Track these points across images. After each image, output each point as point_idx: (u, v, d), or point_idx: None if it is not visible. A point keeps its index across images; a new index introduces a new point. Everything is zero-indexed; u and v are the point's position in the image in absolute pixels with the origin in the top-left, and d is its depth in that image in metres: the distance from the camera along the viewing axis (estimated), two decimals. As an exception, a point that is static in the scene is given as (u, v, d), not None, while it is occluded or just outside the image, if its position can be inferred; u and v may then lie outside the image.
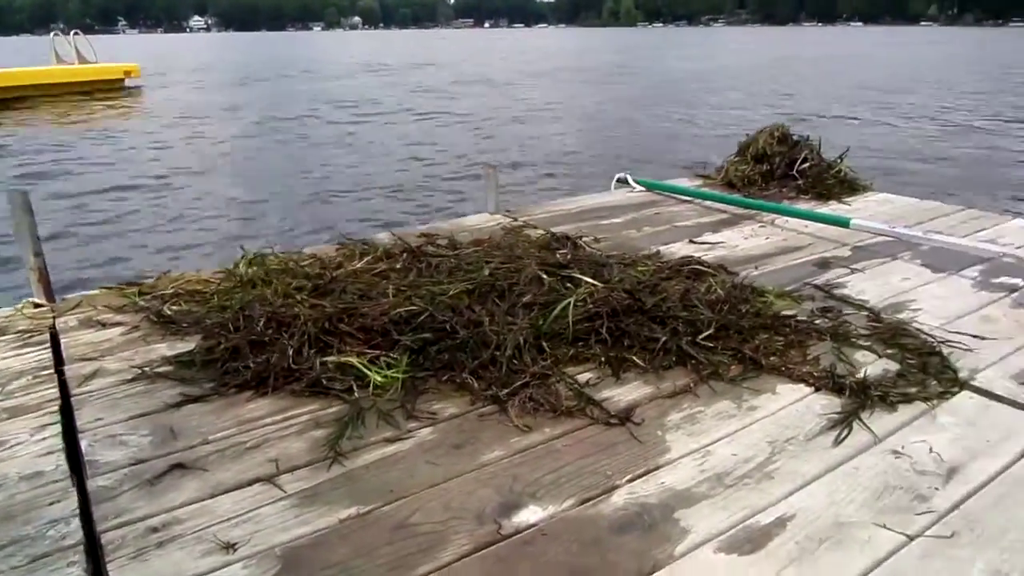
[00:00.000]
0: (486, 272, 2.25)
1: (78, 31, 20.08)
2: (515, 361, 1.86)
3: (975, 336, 2.06)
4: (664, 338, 1.96)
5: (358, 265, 2.40)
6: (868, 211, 3.39)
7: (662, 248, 2.82)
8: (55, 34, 19.88)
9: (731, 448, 1.57)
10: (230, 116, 13.91)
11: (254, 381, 1.81)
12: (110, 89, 18.33)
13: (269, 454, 1.55)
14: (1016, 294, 2.37)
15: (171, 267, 4.34)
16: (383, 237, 2.90)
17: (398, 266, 2.41)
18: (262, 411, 1.71)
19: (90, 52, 19.04)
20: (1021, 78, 22.00)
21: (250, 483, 1.45)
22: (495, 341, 1.89)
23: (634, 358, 1.93)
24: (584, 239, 2.85)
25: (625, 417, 1.68)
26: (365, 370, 1.81)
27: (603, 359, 1.93)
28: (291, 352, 1.86)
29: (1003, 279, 2.49)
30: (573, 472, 1.49)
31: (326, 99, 17.17)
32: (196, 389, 1.80)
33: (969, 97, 17.10)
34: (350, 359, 1.84)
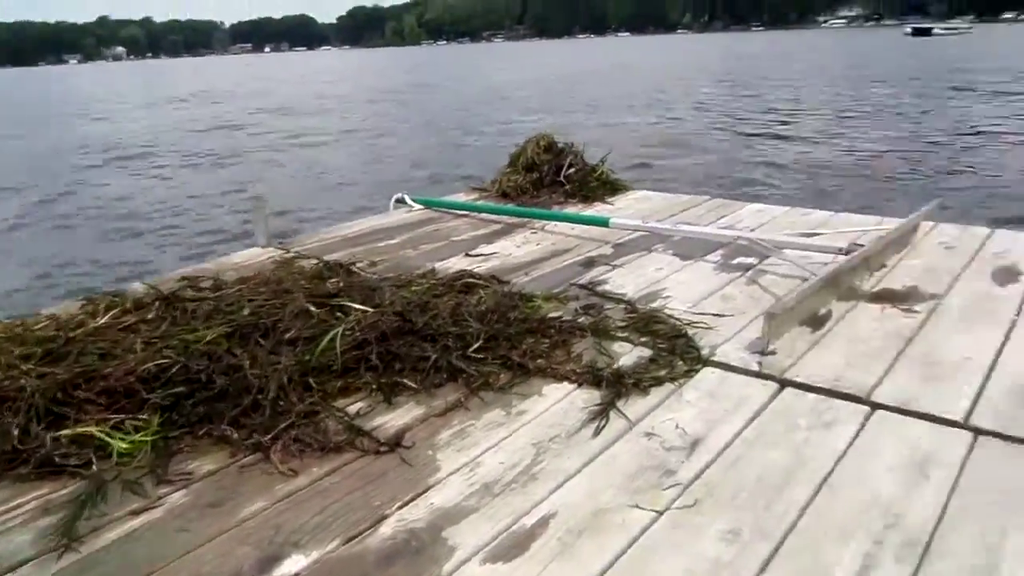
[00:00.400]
0: (246, 312, 2.13)
1: None
2: (280, 402, 1.77)
3: (716, 315, 2.26)
4: (435, 356, 1.97)
5: (101, 321, 2.18)
6: (629, 209, 3.64)
7: (438, 265, 2.84)
8: None
9: (499, 456, 1.60)
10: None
11: (-31, 473, 1.58)
12: None
13: (-14, 554, 1.35)
14: (750, 272, 2.64)
15: None
16: (137, 287, 2.67)
17: (150, 316, 2.22)
18: (-22, 505, 1.50)
19: None
20: (756, 76, 24.91)
21: (-41, 595, 1.26)
22: (256, 384, 1.79)
23: (406, 381, 1.91)
24: (359, 264, 2.81)
25: (395, 443, 1.66)
26: (106, 438, 1.64)
27: (374, 386, 1.90)
28: (16, 432, 1.65)
29: (740, 259, 2.77)
30: (340, 509, 1.44)
31: (80, 145, 15.69)
32: None
33: (714, 98, 19.07)
34: (88, 429, 1.66)
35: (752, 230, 3.11)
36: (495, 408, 1.80)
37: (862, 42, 59.66)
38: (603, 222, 3.13)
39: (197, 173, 11.21)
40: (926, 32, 71.26)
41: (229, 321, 2.09)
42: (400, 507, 1.44)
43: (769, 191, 7.44)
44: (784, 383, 1.82)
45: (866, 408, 1.69)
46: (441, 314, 2.18)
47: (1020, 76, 21.37)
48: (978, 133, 10.63)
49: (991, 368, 1.85)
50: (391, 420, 1.77)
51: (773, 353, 1.97)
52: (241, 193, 9.15)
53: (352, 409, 1.81)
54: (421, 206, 3.85)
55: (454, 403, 1.82)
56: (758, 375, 1.87)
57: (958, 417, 1.63)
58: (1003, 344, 1.99)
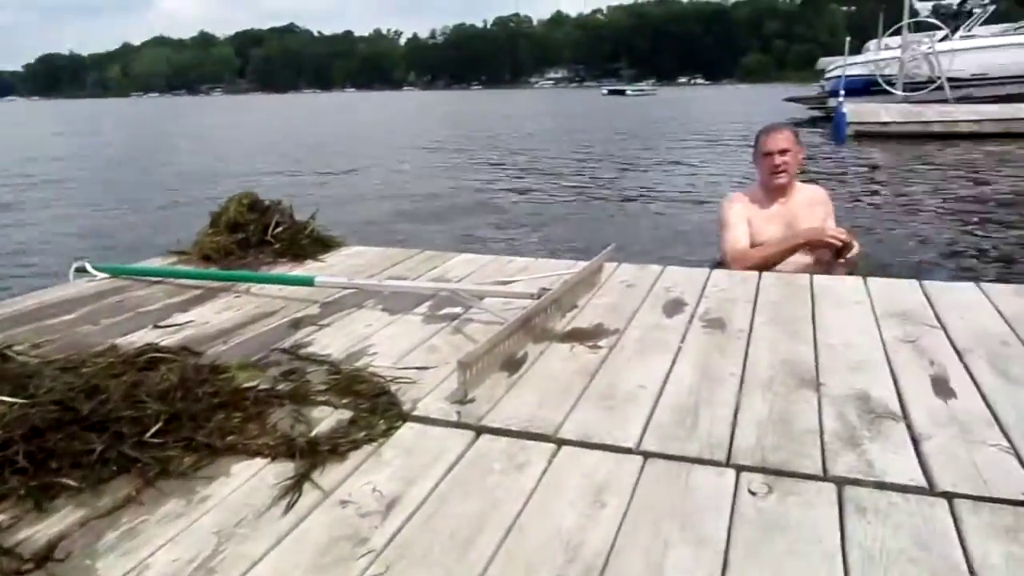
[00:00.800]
0: None
1: None
2: None
3: (420, 368, 2.27)
4: (101, 446, 1.73)
5: None
6: (340, 266, 3.59)
7: (120, 340, 2.55)
8: None
9: (173, 553, 1.43)
10: None
11: None
12: None
13: None
14: (455, 322, 2.71)
15: None
16: None
17: None
18: None
19: None
20: (479, 129, 26.51)
21: None
22: None
23: (64, 480, 1.65)
24: (16, 348, 2.42)
25: (44, 557, 1.41)
26: None
27: (22, 492, 1.62)
28: None
29: (446, 310, 2.83)
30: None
31: None
32: None
33: (436, 148, 19.92)
34: None
35: (459, 280, 3.22)
36: (173, 498, 1.62)
37: (569, 100, 66.35)
38: (308, 281, 3.04)
39: None
40: (620, 92, 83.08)
41: None
42: (41, 636, 1.22)
43: (481, 242, 7.83)
44: (480, 430, 1.86)
45: (553, 445, 1.78)
46: (113, 397, 1.93)
47: (694, 129, 25.17)
48: (654, 187, 12.20)
49: (659, 394, 2.06)
50: (42, 530, 1.51)
51: (472, 401, 2.02)
52: None
53: (-7, 523, 1.52)
54: (106, 275, 3.45)
55: (124, 499, 1.61)
56: (456, 425, 1.90)
57: (631, 444, 1.78)
58: (669, 370, 2.23)
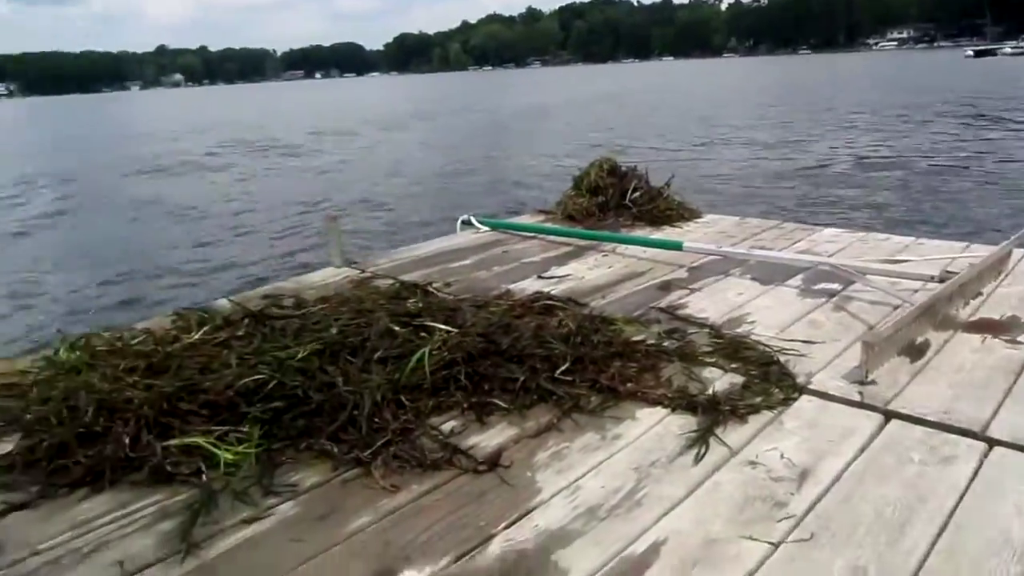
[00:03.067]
0: (334, 330, 2.17)
1: None
2: (375, 419, 1.79)
3: (805, 341, 2.22)
4: (523, 377, 1.97)
5: (195, 337, 2.23)
6: (698, 232, 3.62)
7: (512, 286, 2.85)
8: None
9: (599, 480, 1.59)
10: (33, 192, 12.64)
11: (87, 477, 1.63)
12: None
13: (112, 556, 1.39)
14: (835, 298, 2.59)
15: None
16: (223, 304, 2.73)
17: (240, 333, 2.27)
18: (99, 509, 1.54)
19: None
20: (811, 101, 24.60)
21: (88, 595, 1.29)
22: (352, 401, 1.81)
23: (496, 401, 1.91)
24: (434, 285, 2.83)
25: (493, 462, 1.66)
26: (213, 449, 1.68)
27: (465, 405, 1.91)
28: (127, 440, 1.69)
29: (823, 285, 2.72)
30: (446, 528, 1.44)
31: (148, 167, 16.16)
32: (19, 495, 1.59)
33: (776, 120, 18.89)
34: (195, 439, 1.70)
35: (831, 255, 3.06)
36: (589, 431, 1.79)
37: (920, 63, 58.28)
38: (677, 246, 3.12)
39: (264, 193, 11.44)
40: (990, 53, 67.52)
41: (318, 339, 2.13)
42: (506, 527, 1.44)
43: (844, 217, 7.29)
44: (889, 415, 1.77)
45: (982, 444, 1.63)
46: (524, 336, 2.18)
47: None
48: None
49: (1107, 403, 1.78)
50: (485, 440, 1.77)
51: (873, 383, 1.92)
52: (306, 213, 9.32)
53: (445, 428, 1.82)
54: (488, 228, 3.88)
55: (547, 425, 1.82)
56: (860, 405, 1.83)
57: (1083, 455, 1.57)
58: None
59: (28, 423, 1.86)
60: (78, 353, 2.16)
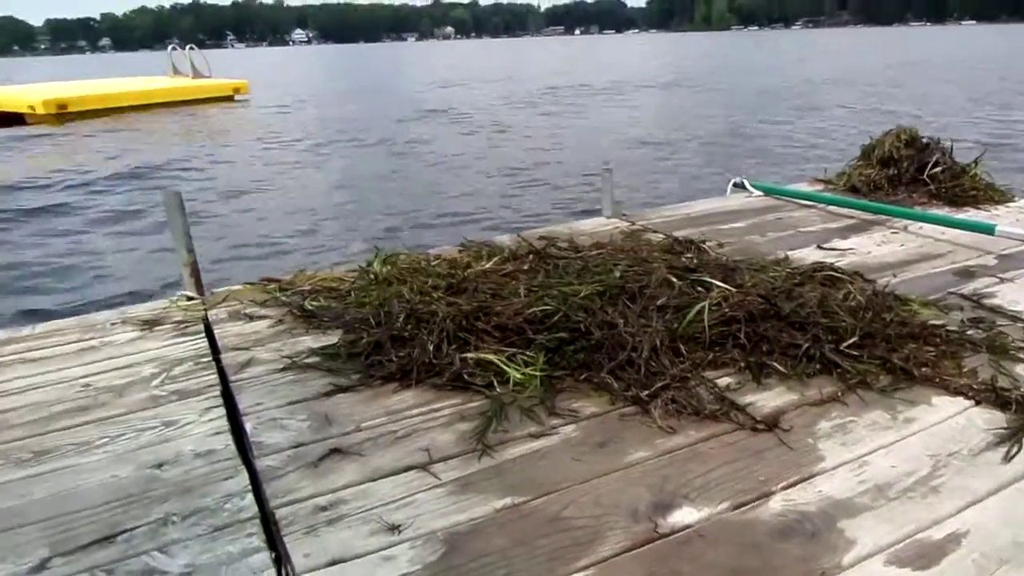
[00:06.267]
0: (616, 274, 2.24)
1: (193, 46, 21.25)
2: (652, 363, 1.84)
3: None
4: (806, 344, 1.91)
5: (487, 266, 2.43)
6: (1011, 218, 3.20)
7: (789, 253, 2.74)
8: (173, 48, 21.08)
9: (889, 460, 1.51)
10: (337, 131, 14.22)
11: (398, 374, 1.87)
12: (221, 103, 18.89)
13: (419, 443, 1.59)
14: None
15: (295, 264, 4.54)
16: (504, 239, 2.94)
17: (525, 267, 2.44)
18: (407, 403, 1.77)
19: (204, 67, 20.06)
20: None
21: (405, 470, 1.49)
22: (631, 343, 1.88)
23: (775, 364, 1.88)
24: (707, 244, 2.81)
25: (773, 423, 1.64)
26: (504, 367, 1.84)
27: (742, 364, 1.89)
28: (431, 347, 1.91)
29: None
30: (724, 476, 1.46)
31: (431, 109, 17.46)
32: (344, 380, 1.88)
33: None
34: (489, 356, 1.87)
35: None
36: (877, 409, 1.70)
37: None
38: (988, 229, 2.79)
39: (535, 140, 11.89)
40: None
41: (599, 281, 2.22)
42: (785, 487, 1.43)
43: None
44: None
45: None
46: (808, 303, 2.10)
47: None
48: None
49: None
50: (762, 400, 1.75)
51: None
52: (574, 163, 9.58)
53: (721, 382, 1.82)
54: (761, 192, 3.74)
55: (830, 396, 1.75)
56: None
57: None
58: None
59: (349, 322, 2.17)
60: (389, 268, 2.46)
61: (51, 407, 1.84)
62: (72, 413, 1.80)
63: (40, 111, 14.76)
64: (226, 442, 1.61)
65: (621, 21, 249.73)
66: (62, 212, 7.77)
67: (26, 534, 1.36)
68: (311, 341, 2.11)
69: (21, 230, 7.07)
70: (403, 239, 5.88)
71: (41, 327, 2.38)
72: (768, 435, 1.61)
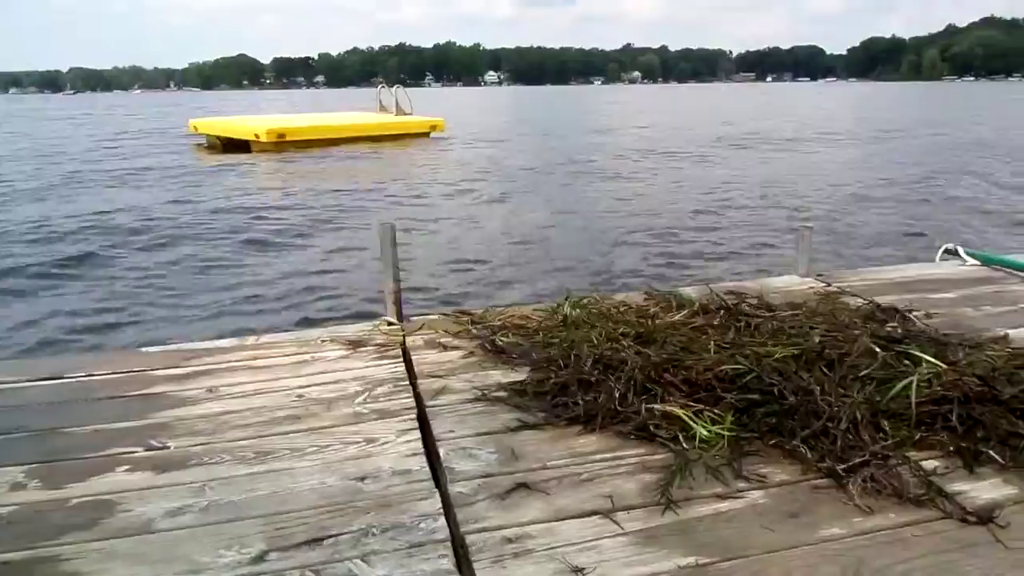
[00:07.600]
0: (816, 339, 2.16)
1: (399, 85, 23.02)
2: (850, 436, 1.76)
3: None
4: (1029, 434, 1.74)
5: (676, 317, 2.44)
6: None
7: (1010, 332, 2.51)
8: (381, 86, 22.94)
9: None
10: (529, 170, 14.72)
11: (583, 417, 1.91)
12: (418, 139, 20.25)
13: (603, 489, 1.62)
14: None
15: (480, 293, 4.74)
16: (690, 290, 2.92)
17: (715, 322, 2.41)
18: (592, 447, 1.81)
19: (407, 103, 21.65)
20: None
21: (590, 514, 1.53)
22: (828, 412, 1.81)
23: (991, 452, 1.73)
24: (914, 313, 2.63)
25: (988, 517, 1.51)
26: (691, 422, 1.83)
27: (952, 448, 1.75)
28: (617, 394, 1.94)
29: None
30: (928, 566, 1.37)
31: (623, 151, 17.68)
32: (530, 417, 1.95)
33: None
34: (675, 409, 1.87)
35: None
36: (1119, 518, 1.51)
37: None
38: None
39: (725, 188, 11.68)
40: None
41: (795, 344, 2.15)
42: (1001, 590, 1.31)
43: None
44: None
45: None
46: (1034, 389, 1.91)
47: None
48: None
49: None
50: (974, 490, 1.61)
51: None
52: (766, 212, 9.31)
53: (927, 465, 1.70)
54: (977, 261, 3.44)
55: (1067, 496, 1.58)
56: None
57: None
58: None
59: (537, 361, 2.25)
60: (578, 312, 2.53)
61: (271, 412, 2.06)
62: (288, 420, 2.01)
63: (263, 139, 16.83)
64: (421, 464, 1.73)
65: (819, 69, 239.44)
66: (279, 231, 8.65)
67: (249, 527, 1.53)
68: (500, 376, 2.21)
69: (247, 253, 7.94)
70: (588, 280, 5.97)
71: (265, 338, 2.67)
72: (980, 529, 1.48)
